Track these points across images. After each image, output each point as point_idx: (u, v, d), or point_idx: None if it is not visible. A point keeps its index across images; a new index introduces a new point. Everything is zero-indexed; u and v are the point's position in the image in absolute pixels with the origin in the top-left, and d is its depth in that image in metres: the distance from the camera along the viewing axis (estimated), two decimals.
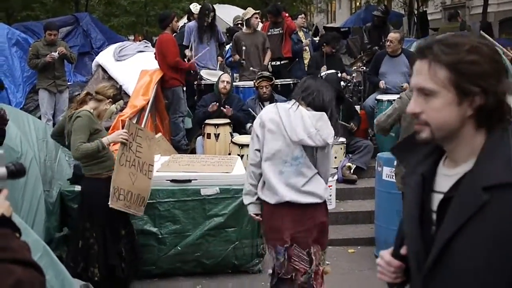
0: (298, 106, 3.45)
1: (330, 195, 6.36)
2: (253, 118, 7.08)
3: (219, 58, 8.52)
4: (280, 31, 8.80)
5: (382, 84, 7.36)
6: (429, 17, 20.43)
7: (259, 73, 7.42)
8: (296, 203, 3.46)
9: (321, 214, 3.58)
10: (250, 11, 8.42)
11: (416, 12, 20.40)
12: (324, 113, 3.44)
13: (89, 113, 4.30)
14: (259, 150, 3.53)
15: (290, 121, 3.40)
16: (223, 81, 7.02)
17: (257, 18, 8.38)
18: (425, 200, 1.56)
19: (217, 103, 6.90)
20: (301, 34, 9.72)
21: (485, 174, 1.38)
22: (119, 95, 4.65)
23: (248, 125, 7.08)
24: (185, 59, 7.98)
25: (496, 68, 1.43)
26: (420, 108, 1.48)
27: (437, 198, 1.52)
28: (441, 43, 1.45)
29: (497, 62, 1.44)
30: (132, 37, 25.89)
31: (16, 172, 1.51)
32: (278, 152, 3.45)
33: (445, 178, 1.52)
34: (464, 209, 1.39)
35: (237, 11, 13.00)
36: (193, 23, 8.49)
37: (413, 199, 1.59)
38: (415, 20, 18.09)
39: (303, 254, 3.52)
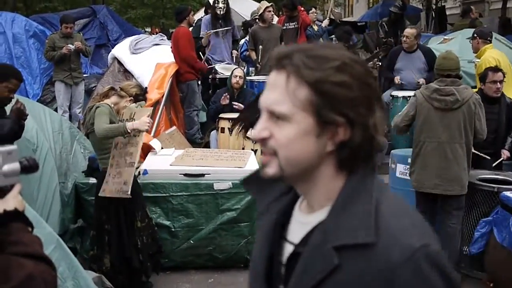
0: None
1: None
2: None
3: (234, 51, 8.52)
4: (296, 26, 8.80)
5: (397, 79, 7.30)
6: (448, 12, 20.20)
7: None
8: None
9: None
10: (263, 5, 8.39)
11: (434, 7, 20.20)
12: None
13: (109, 106, 4.35)
14: None
15: None
16: (236, 76, 7.02)
17: (270, 11, 8.32)
18: (275, 250, 1.26)
19: (228, 95, 6.89)
20: (315, 27, 9.71)
21: (338, 229, 1.11)
22: (142, 96, 4.69)
23: None
24: (199, 53, 8.02)
25: (368, 94, 1.14)
26: (269, 132, 1.16)
27: (288, 250, 1.23)
28: (305, 53, 1.13)
29: (369, 86, 1.14)
30: (149, 29, 26.04)
31: (29, 167, 1.53)
32: None
33: (299, 225, 1.23)
34: (312, 272, 1.13)
35: (252, 4, 12.98)
36: (209, 16, 8.49)
37: (262, 247, 1.28)
38: (433, 15, 17.92)
39: None
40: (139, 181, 4.73)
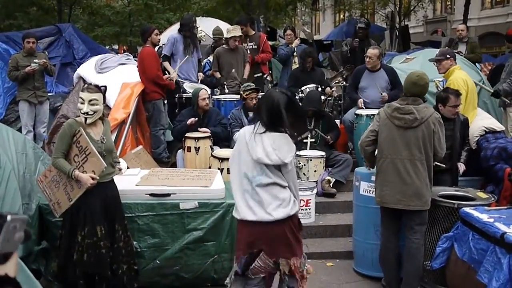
0: (264, 130, 3.58)
1: (310, 208, 6.42)
2: (241, 126, 7.13)
3: (200, 74, 8.54)
4: (254, 46, 8.87)
5: (360, 103, 7.37)
6: (411, 31, 20.72)
7: (246, 84, 7.46)
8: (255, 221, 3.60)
9: (279, 229, 3.61)
10: (231, 33, 8.41)
11: (398, 26, 20.65)
12: (285, 134, 3.52)
13: (73, 121, 4.56)
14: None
15: (252, 141, 3.58)
16: (204, 98, 7.03)
17: (235, 40, 8.39)
18: None
19: (197, 119, 6.92)
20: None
21: None
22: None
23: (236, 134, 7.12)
24: (166, 71, 8.05)
25: None
26: None
27: None
28: None
29: None
30: (116, 46, 25.89)
31: (27, 236, 1.56)
32: (243, 170, 3.63)
33: None
34: None
35: (221, 25, 13.01)
36: (177, 34, 8.45)
37: None
38: (397, 34, 18.31)
39: (270, 262, 3.63)
40: None
